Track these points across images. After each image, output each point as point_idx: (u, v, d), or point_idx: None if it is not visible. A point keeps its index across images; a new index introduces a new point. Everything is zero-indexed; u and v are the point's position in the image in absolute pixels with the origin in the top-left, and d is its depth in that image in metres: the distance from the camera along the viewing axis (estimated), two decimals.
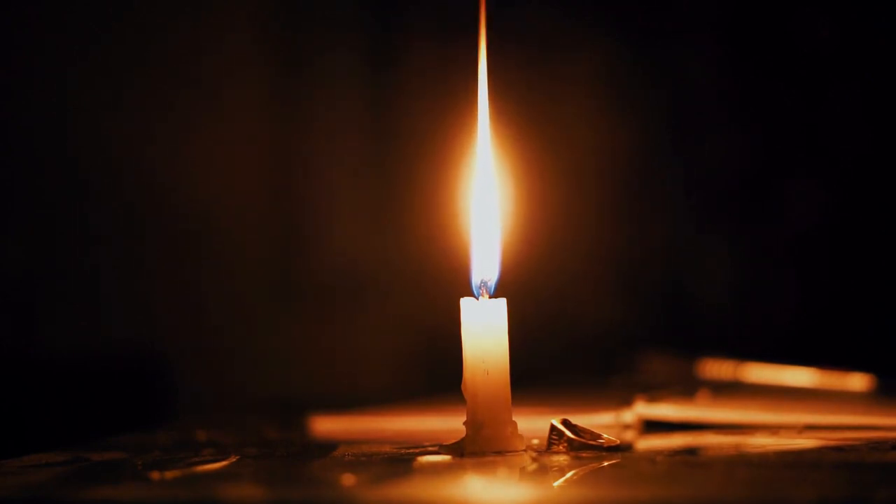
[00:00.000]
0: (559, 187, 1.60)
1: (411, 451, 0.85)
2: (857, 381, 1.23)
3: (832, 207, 1.58)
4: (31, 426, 1.49)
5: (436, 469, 0.78)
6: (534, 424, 0.87)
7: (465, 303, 0.84)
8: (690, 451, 0.84)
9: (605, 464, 0.78)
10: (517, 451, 0.83)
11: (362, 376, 1.61)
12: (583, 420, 0.85)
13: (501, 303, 0.84)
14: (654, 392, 1.02)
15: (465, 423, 0.83)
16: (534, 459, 0.80)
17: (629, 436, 0.93)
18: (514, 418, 0.84)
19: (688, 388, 1.11)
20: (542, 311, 1.56)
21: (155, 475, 0.76)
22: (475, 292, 0.85)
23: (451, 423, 0.89)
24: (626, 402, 0.98)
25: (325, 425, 1.01)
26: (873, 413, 1.00)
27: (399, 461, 0.81)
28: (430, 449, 0.85)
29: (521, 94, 1.55)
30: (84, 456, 0.85)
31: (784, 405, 1.04)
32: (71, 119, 1.59)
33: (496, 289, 0.85)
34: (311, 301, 1.64)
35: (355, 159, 1.66)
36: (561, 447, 0.83)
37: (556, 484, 0.73)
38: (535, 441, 0.86)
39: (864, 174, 1.58)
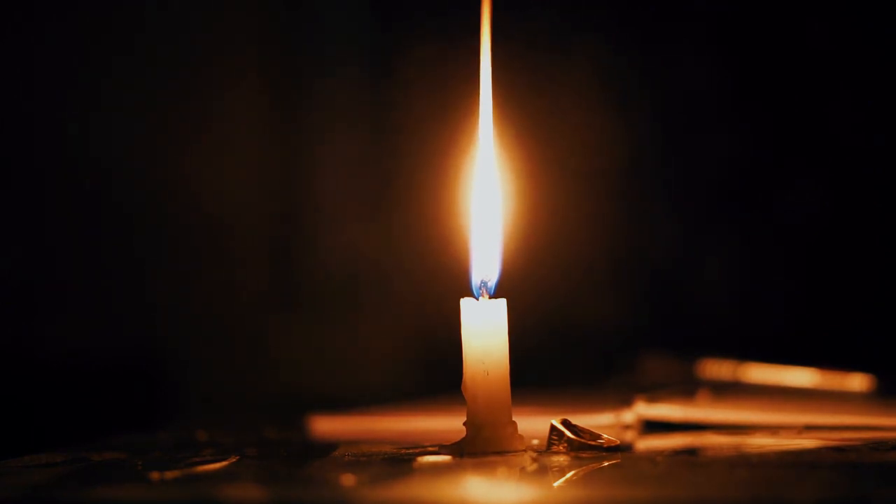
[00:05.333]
0: (559, 188, 1.60)
1: (411, 451, 0.85)
2: (857, 381, 1.23)
3: (832, 207, 1.58)
4: (31, 426, 1.49)
5: (436, 469, 0.78)
6: (534, 424, 0.87)
7: (465, 303, 0.84)
8: (690, 451, 0.84)
9: (605, 464, 0.78)
10: (517, 452, 0.83)
11: (362, 376, 1.61)
12: (583, 420, 0.86)
13: (501, 303, 0.84)
14: (654, 392, 1.03)
15: (465, 424, 0.83)
16: (534, 459, 0.80)
17: (629, 436, 0.93)
18: (514, 419, 0.84)
19: (688, 388, 1.11)
20: (542, 312, 1.56)
21: (155, 475, 0.76)
22: (475, 292, 0.85)
23: (451, 423, 0.89)
24: (626, 402, 0.98)
25: (325, 425, 1.01)
26: (873, 413, 1.00)
27: (399, 461, 0.81)
28: (430, 449, 0.85)
29: (521, 95, 1.55)
30: (84, 456, 0.86)
31: (784, 405, 1.04)
32: (73, 120, 1.59)
33: (496, 289, 0.85)
34: (311, 301, 1.64)
35: (356, 159, 1.66)
36: (561, 447, 0.83)
37: (556, 484, 0.73)
38: (535, 441, 0.86)
39: (864, 174, 1.58)
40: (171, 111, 1.62)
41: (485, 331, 0.83)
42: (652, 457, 0.82)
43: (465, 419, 0.83)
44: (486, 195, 0.86)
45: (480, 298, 0.84)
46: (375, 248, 1.64)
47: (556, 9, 1.63)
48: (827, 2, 1.59)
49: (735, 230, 1.62)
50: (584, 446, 0.83)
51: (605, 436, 0.84)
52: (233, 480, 0.75)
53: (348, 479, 0.74)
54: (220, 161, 1.63)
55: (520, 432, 0.84)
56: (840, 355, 1.28)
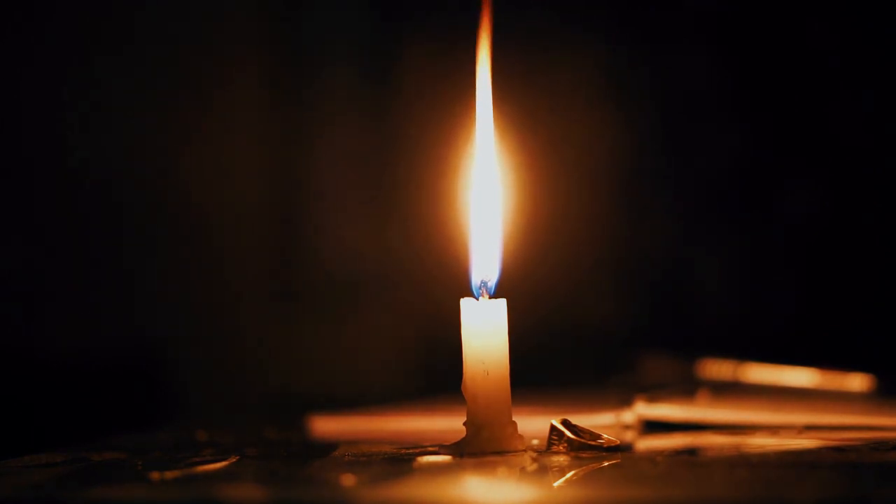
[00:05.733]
0: (559, 188, 1.60)
1: (411, 451, 0.85)
2: (857, 381, 1.23)
3: (832, 207, 1.58)
4: (31, 426, 1.49)
5: (436, 469, 0.78)
6: (534, 424, 0.87)
7: (465, 303, 0.84)
8: (690, 451, 0.84)
9: (605, 464, 0.78)
10: (517, 452, 0.83)
11: (362, 376, 1.61)
12: (583, 420, 0.86)
13: (501, 303, 0.84)
14: (654, 392, 1.02)
15: (465, 424, 0.83)
16: (534, 459, 0.80)
17: (629, 436, 0.93)
18: (514, 418, 0.84)
19: (688, 388, 1.11)
20: (542, 312, 1.56)
21: (155, 475, 0.76)
22: (475, 292, 0.85)
23: (451, 423, 0.89)
24: (626, 402, 0.98)
25: (325, 425, 1.01)
26: (873, 413, 1.00)
27: (399, 461, 0.81)
28: (430, 449, 0.85)
29: (520, 95, 1.55)
30: (84, 456, 0.86)
31: (784, 405, 1.04)
32: (73, 120, 1.59)
33: (496, 289, 0.85)
34: (311, 301, 1.64)
35: (356, 159, 1.66)
36: (561, 447, 0.83)
37: (556, 484, 0.73)
38: (535, 441, 0.86)
39: (864, 173, 1.58)
40: (171, 111, 1.62)
41: (485, 331, 0.83)
42: (652, 457, 0.82)
43: (465, 419, 0.83)
44: (486, 195, 0.86)
45: (480, 298, 0.84)
46: (376, 249, 1.64)
47: (556, 7, 1.63)
48: (827, 1, 1.59)
49: (735, 230, 1.62)
50: (584, 446, 0.83)
51: (605, 436, 0.84)
52: (233, 480, 0.75)
53: (348, 479, 0.74)
54: (221, 161, 1.63)
55: (520, 432, 0.84)
56: (840, 355, 1.28)
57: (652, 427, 0.96)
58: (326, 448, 0.89)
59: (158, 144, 1.62)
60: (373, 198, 1.65)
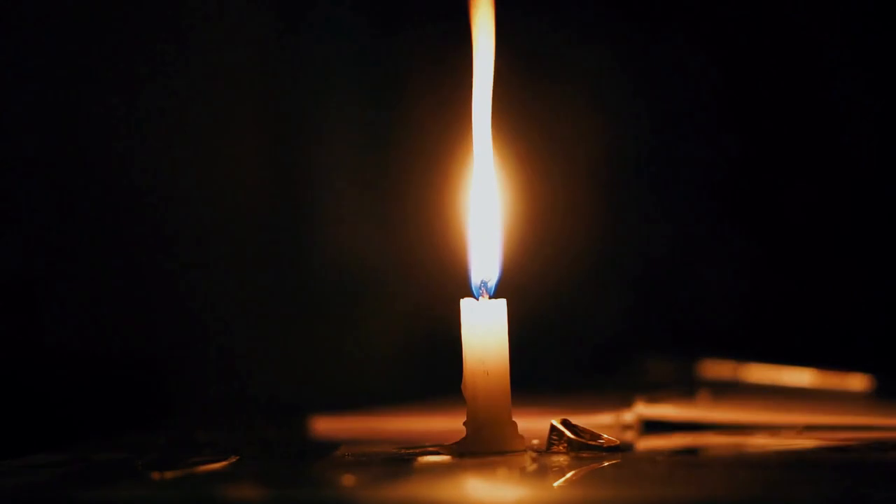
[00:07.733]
0: (559, 188, 1.60)
1: (411, 451, 0.85)
2: (857, 381, 1.23)
3: (832, 207, 1.58)
4: (31, 426, 1.49)
5: (436, 469, 0.78)
6: (534, 424, 0.87)
7: (465, 303, 0.84)
8: (690, 451, 0.84)
9: (605, 464, 0.78)
10: (517, 452, 0.83)
11: (362, 376, 1.61)
12: (583, 420, 0.86)
13: (501, 303, 0.84)
14: (654, 392, 1.03)
15: (465, 424, 0.83)
16: (534, 459, 0.80)
17: (629, 436, 0.93)
18: (514, 418, 0.84)
19: (688, 388, 1.11)
20: (542, 312, 1.56)
21: (155, 475, 0.76)
22: (475, 292, 0.85)
23: (451, 423, 0.89)
24: (626, 402, 0.98)
25: (325, 425, 1.01)
26: (873, 413, 1.00)
27: (399, 461, 0.81)
28: (430, 449, 0.85)
29: (520, 95, 1.55)
30: (84, 456, 0.86)
31: (784, 405, 1.04)
32: (72, 120, 1.59)
33: (496, 289, 0.85)
34: (311, 301, 1.64)
35: (355, 159, 1.66)
36: (561, 447, 0.83)
37: (556, 484, 0.73)
38: (535, 441, 0.86)
39: (864, 174, 1.58)
40: (172, 113, 1.62)
41: (485, 331, 0.83)
42: (652, 457, 0.82)
43: (465, 419, 0.83)
44: (486, 196, 0.86)
45: (480, 298, 0.84)
46: (375, 248, 1.64)
47: (555, 9, 1.63)
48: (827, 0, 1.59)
49: (735, 230, 1.62)
50: (584, 446, 0.83)
51: (605, 436, 0.84)
52: (233, 480, 0.75)
53: (348, 479, 0.74)
54: (221, 162, 1.63)
55: (520, 432, 0.84)
56: (840, 355, 1.27)
57: (652, 427, 0.96)
58: (326, 448, 0.89)
59: (159, 147, 1.62)
60: (373, 198, 1.65)
